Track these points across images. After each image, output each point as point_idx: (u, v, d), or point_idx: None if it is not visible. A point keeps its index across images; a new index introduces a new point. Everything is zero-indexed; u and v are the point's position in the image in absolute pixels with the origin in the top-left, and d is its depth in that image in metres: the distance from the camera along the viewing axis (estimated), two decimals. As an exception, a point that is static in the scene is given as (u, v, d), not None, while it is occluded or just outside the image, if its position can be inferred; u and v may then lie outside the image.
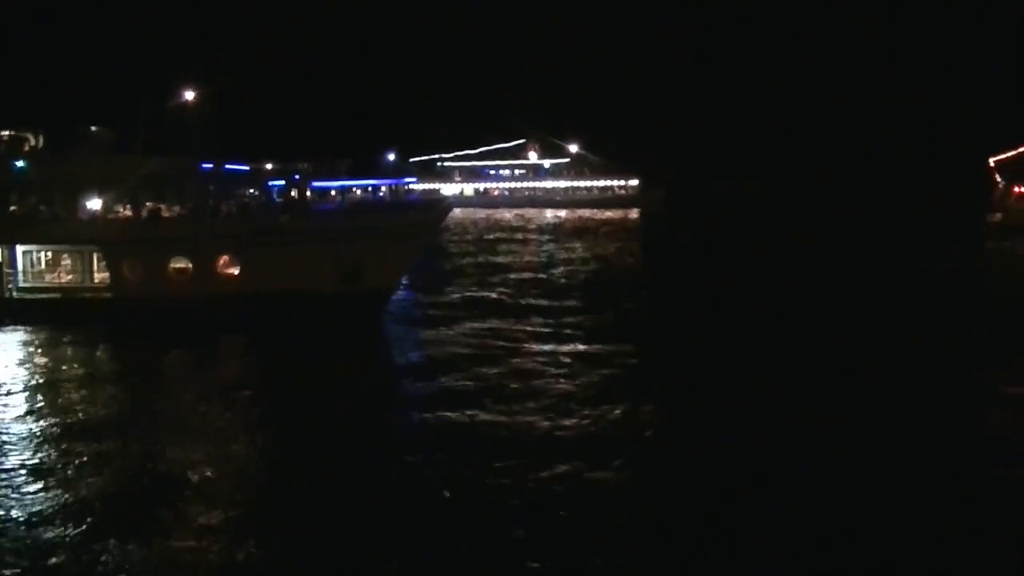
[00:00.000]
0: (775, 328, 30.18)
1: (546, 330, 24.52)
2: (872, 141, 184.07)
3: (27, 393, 20.23)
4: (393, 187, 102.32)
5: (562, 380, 19.38)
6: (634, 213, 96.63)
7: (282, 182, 35.20)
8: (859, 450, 18.97)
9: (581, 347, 22.59)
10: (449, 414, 17.56)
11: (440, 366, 21.02)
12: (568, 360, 21.09)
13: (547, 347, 22.33)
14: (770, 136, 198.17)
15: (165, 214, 30.86)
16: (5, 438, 16.92)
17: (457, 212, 56.75)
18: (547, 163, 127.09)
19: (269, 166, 35.58)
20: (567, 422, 17.21)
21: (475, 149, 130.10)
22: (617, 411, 17.89)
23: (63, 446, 16.45)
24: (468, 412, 17.51)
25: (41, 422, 18.00)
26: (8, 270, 30.19)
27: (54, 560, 12.35)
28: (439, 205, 33.70)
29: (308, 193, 34.71)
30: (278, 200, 33.07)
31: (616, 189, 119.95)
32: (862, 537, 13.74)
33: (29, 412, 18.69)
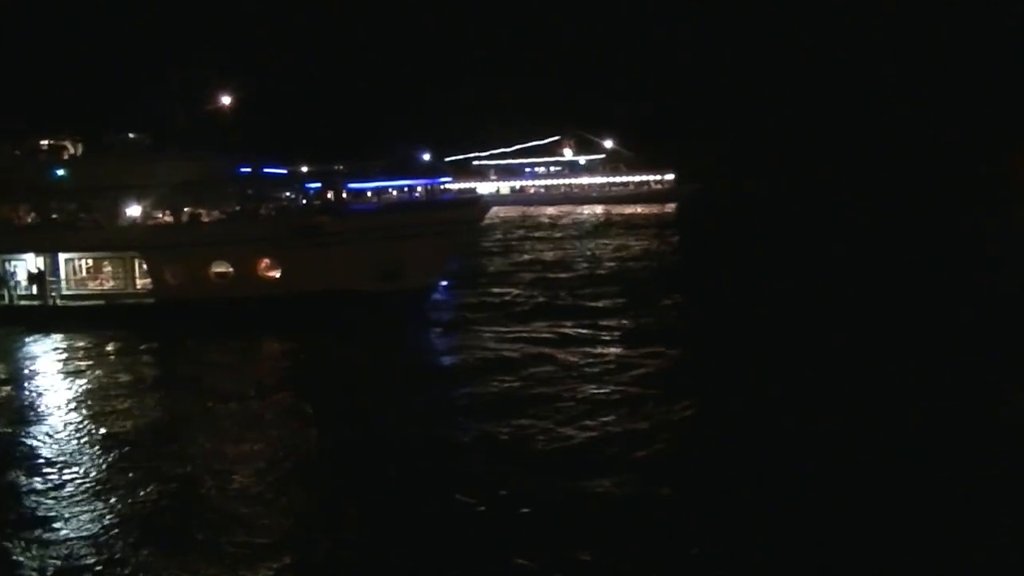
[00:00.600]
0: (774, 327, 30.17)
1: (578, 332, 24.07)
2: (872, 141, 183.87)
3: (72, 399, 20.14)
4: (428, 187, 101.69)
5: (587, 385, 18.94)
6: (670, 208, 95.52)
7: (318, 184, 35.07)
8: (859, 450, 18.96)
9: (611, 350, 22.04)
10: (476, 417, 17.29)
11: (472, 368, 20.69)
12: (596, 365, 20.55)
13: (577, 351, 21.76)
14: (770, 136, 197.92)
15: (204, 218, 30.88)
16: (51, 446, 16.78)
17: (494, 210, 56.01)
18: (582, 159, 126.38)
19: (304, 168, 35.47)
20: (586, 430, 16.87)
21: (510, 147, 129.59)
22: (636, 417, 17.58)
23: (104, 450, 16.32)
24: (494, 415, 17.22)
25: (86, 427, 17.88)
26: (51, 278, 30.40)
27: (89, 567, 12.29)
28: (477, 203, 33.69)
29: (344, 194, 34.56)
30: (315, 202, 32.97)
31: (652, 184, 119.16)
32: (862, 537, 13.72)
33: (74, 419, 18.55)
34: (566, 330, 24.25)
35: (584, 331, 23.92)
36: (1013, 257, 49.43)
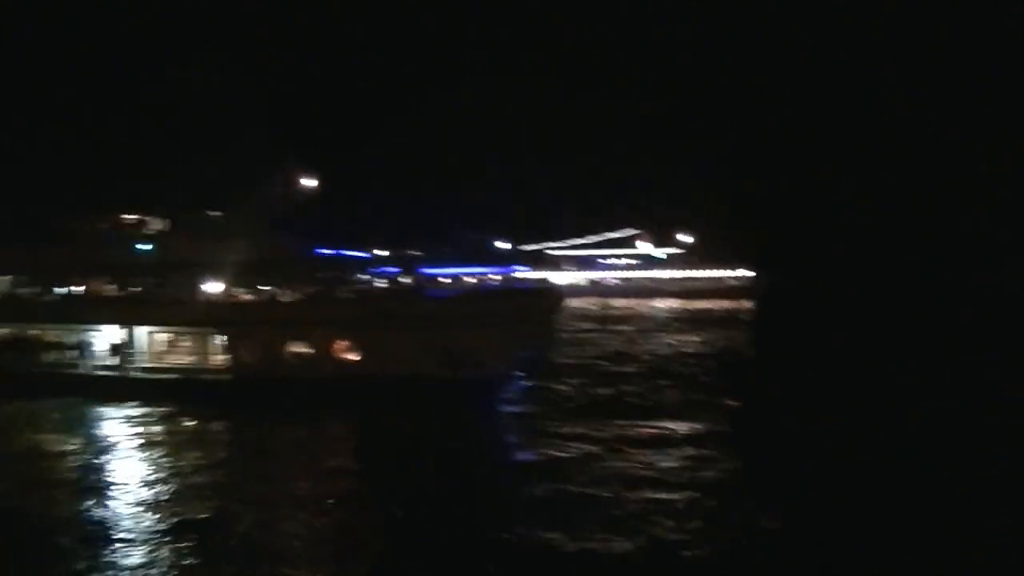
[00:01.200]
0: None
1: (648, 432, 22.51)
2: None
3: (144, 472, 19.81)
4: (503, 275, 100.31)
5: (652, 493, 17.16)
6: (747, 303, 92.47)
7: (394, 269, 34.89)
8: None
9: (680, 453, 19.74)
10: (534, 520, 16.16)
11: (536, 465, 19.32)
12: (663, 470, 18.37)
13: (646, 453, 19.91)
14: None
15: (282, 298, 30.94)
16: (123, 517, 16.53)
17: (571, 302, 53.83)
18: (659, 253, 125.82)
19: (380, 252, 35.29)
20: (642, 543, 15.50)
21: (587, 239, 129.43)
22: (695, 528, 16.08)
23: (173, 521, 16.02)
24: (551, 519, 16.08)
25: (156, 500, 17.55)
26: (129, 351, 30.80)
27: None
28: (552, 293, 33.48)
29: (419, 279, 34.51)
30: (391, 286, 32.83)
31: (729, 279, 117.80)
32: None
33: (145, 492, 18.16)
34: (628, 430, 22.92)
35: (645, 432, 22.64)
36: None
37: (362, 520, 16.15)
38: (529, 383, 29.50)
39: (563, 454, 19.82)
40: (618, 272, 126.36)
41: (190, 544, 14.86)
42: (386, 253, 35.33)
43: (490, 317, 27.31)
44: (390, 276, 32.96)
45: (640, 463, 18.54)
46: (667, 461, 18.64)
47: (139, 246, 32.23)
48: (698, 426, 22.11)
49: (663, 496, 16.09)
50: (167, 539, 15.14)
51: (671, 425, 22.48)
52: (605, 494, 16.50)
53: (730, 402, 25.83)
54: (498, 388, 27.24)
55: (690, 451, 19.33)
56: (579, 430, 21.81)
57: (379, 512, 16.46)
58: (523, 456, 20.64)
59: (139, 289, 32.24)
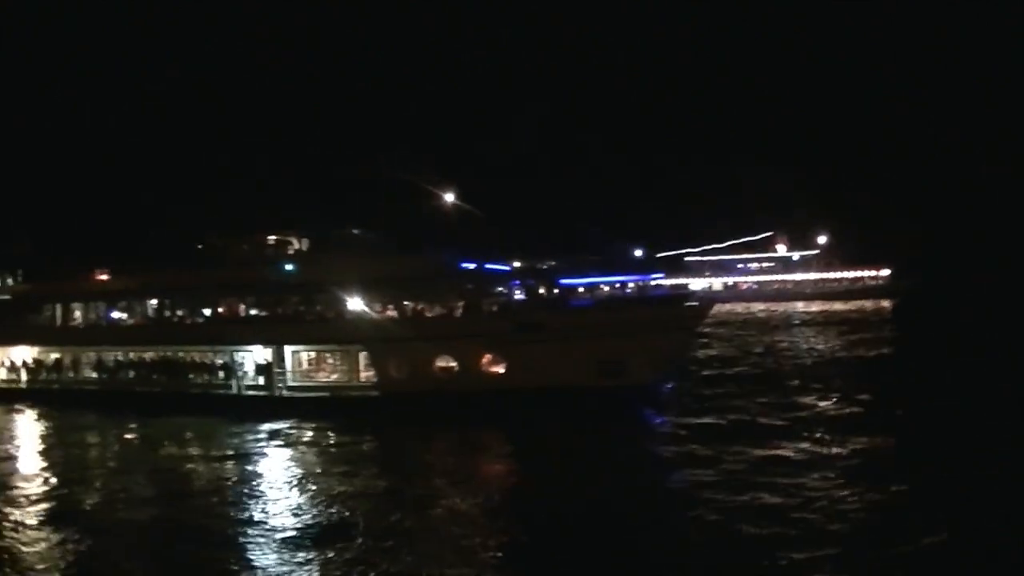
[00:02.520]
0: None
1: (794, 447, 21.56)
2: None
3: (290, 489, 19.77)
4: (640, 283, 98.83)
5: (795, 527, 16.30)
6: (886, 303, 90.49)
7: (530, 280, 34.83)
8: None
9: (831, 477, 18.76)
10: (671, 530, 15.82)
11: (685, 484, 18.80)
12: (812, 501, 17.42)
13: (795, 476, 18.96)
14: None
15: (427, 313, 31.01)
16: (270, 529, 16.55)
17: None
18: (795, 255, 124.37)
19: (518, 264, 35.30)
20: None
21: (722, 243, 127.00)
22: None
23: (322, 537, 15.87)
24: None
25: (303, 513, 17.51)
26: (277, 370, 31.18)
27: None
28: (699, 300, 33.11)
29: (558, 290, 34.34)
30: (531, 297, 32.70)
31: (867, 280, 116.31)
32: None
33: (293, 503, 18.15)
34: (774, 448, 21.93)
35: (791, 447, 21.54)
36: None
37: (519, 538, 15.72)
38: (675, 393, 29.08)
39: (710, 470, 19.08)
40: (755, 276, 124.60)
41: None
42: (523, 264, 35.26)
43: (635, 326, 27.19)
44: (528, 287, 32.89)
45: (788, 483, 17.65)
46: (811, 477, 17.69)
47: (283, 265, 32.66)
48: (846, 442, 20.79)
49: (809, 517, 15.28)
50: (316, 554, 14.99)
51: (817, 437, 21.49)
52: (746, 525, 15.38)
53: (877, 411, 24.46)
54: (646, 398, 26.98)
55: (836, 469, 18.25)
56: (725, 444, 21.18)
57: (535, 530, 16.04)
58: (673, 473, 20.01)
59: (285, 309, 32.84)
